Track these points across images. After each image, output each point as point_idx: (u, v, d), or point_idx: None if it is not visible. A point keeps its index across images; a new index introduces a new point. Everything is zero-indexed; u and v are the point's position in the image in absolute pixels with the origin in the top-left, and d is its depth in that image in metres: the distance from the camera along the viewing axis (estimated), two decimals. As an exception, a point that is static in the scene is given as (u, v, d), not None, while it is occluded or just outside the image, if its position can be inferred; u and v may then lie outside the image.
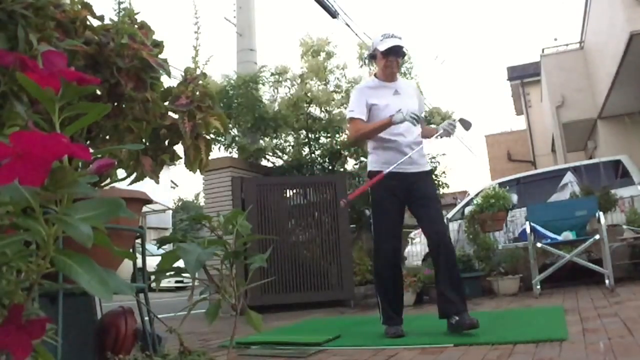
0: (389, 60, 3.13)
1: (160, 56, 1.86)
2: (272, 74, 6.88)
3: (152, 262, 1.44)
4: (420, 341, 2.72)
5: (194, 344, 3.14)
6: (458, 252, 5.54)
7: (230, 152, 6.71)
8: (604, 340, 2.30)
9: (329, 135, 6.81)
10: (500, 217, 5.60)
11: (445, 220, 3.23)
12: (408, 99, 3.19)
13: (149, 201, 1.80)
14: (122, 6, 1.80)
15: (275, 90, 6.97)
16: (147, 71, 1.77)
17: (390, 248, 3.06)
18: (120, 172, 1.92)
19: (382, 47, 3.09)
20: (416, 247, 7.46)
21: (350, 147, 6.72)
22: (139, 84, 1.74)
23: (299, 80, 6.70)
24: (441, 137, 3.19)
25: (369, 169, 3.23)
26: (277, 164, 6.93)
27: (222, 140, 6.56)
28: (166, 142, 2.02)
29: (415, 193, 3.08)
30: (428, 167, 3.25)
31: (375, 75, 3.31)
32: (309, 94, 6.45)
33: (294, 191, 6.18)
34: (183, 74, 2.04)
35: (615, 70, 7.55)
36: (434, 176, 6.34)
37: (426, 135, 3.33)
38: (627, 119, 9.15)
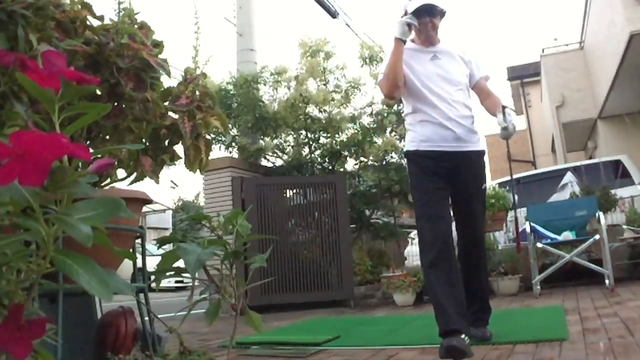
0: (421, 22, 2.60)
1: (160, 56, 1.86)
2: (272, 74, 6.88)
3: (152, 262, 1.44)
4: (420, 341, 2.72)
5: (194, 344, 3.14)
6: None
7: (230, 152, 6.72)
8: (604, 340, 2.30)
9: (328, 135, 6.81)
10: (500, 217, 5.59)
11: (483, 219, 2.71)
12: (451, 64, 2.64)
13: (149, 201, 1.80)
14: (122, 6, 1.80)
15: (275, 91, 6.98)
16: (147, 71, 1.77)
17: (438, 231, 2.42)
18: (120, 172, 1.93)
19: (411, 8, 2.60)
20: (416, 247, 7.45)
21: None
22: (139, 84, 1.74)
23: (294, 82, 6.70)
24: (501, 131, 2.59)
25: (405, 149, 2.70)
26: (277, 164, 6.93)
27: (223, 139, 6.56)
28: (166, 142, 2.02)
29: (458, 181, 2.55)
30: (479, 146, 2.63)
31: (412, 40, 2.71)
32: (305, 95, 6.45)
33: (294, 191, 6.19)
34: (183, 74, 2.04)
35: (615, 70, 7.55)
36: None
37: (489, 108, 2.71)
38: (627, 119, 9.15)
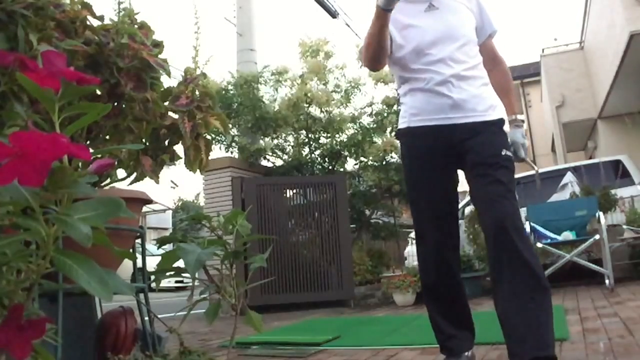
0: None
1: (160, 56, 1.86)
2: (273, 74, 6.89)
3: (152, 262, 1.44)
4: (420, 341, 2.72)
5: (194, 344, 3.14)
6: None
7: (230, 152, 6.72)
8: (604, 340, 2.30)
9: (329, 135, 6.82)
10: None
11: (512, 197, 1.86)
12: (452, 14, 2.00)
13: (149, 201, 1.80)
14: (122, 6, 1.80)
15: (276, 90, 6.98)
16: (147, 71, 1.77)
17: (431, 241, 1.99)
18: (120, 172, 1.92)
19: None
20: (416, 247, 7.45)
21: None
22: (139, 84, 1.74)
23: (299, 81, 6.71)
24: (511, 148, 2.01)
25: (398, 127, 2.13)
26: (277, 164, 6.93)
27: (223, 139, 6.57)
28: (166, 142, 2.02)
29: (468, 156, 1.92)
30: (489, 115, 1.94)
31: None
32: (308, 94, 6.46)
33: (294, 191, 6.19)
34: (183, 74, 2.04)
35: (615, 70, 7.56)
36: None
37: (495, 88, 2.06)
38: (627, 119, 9.15)
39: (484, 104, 1.94)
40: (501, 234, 1.77)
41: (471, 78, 1.94)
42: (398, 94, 2.19)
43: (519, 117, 2.11)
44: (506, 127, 2.04)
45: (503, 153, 1.90)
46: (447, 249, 2.01)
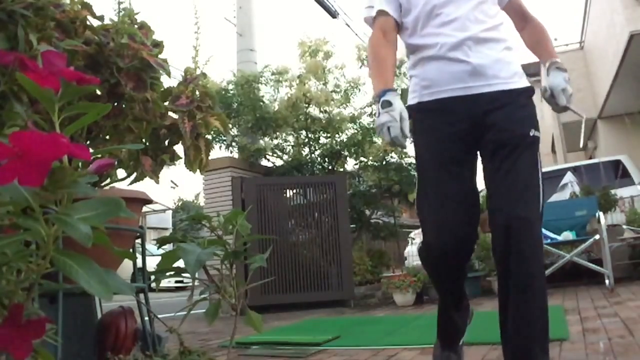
0: None
1: (160, 56, 1.86)
2: (273, 73, 6.89)
3: (152, 262, 1.44)
4: (420, 341, 2.72)
5: (194, 344, 3.14)
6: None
7: (230, 152, 6.73)
8: (604, 340, 2.30)
9: (328, 135, 6.82)
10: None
11: (536, 190, 1.57)
12: None
13: (149, 201, 1.80)
14: (122, 6, 1.80)
15: (276, 90, 6.99)
16: (147, 71, 1.77)
17: (439, 244, 1.65)
18: (120, 172, 1.92)
19: None
20: (416, 247, 7.46)
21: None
22: (139, 84, 1.74)
23: (297, 81, 6.71)
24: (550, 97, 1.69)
25: (408, 103, 1.75)
26: (277, 164, 6.93)
27: (223, 139, 6.57)
28: (166, 142, 2.02)
29: (488, 135, 1.61)
30: (516, 83, 1.67)
31: None
32: (307, 95, 6.46)
33: (294, 191, 6.19)
34: (183, 74, 2.04)
35: (615, 70, 7.56)
36: None
37: (531, 43, 1.84)
38: (627, 119, 9.15)
39: (508, 69, 1.66)
40: (514, 232, 1.49)
41: (491, 40, 1.66)
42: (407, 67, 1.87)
43: (559, 61, 1.75)
44: (543, 74, 1.77)
45: (531, 134, 1.60)
46: (461, 247, 1.65)
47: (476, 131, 1.63)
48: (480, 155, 1.69)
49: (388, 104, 1.56)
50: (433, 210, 1.67)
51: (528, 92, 1.68)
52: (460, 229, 1.63)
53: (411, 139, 1.72)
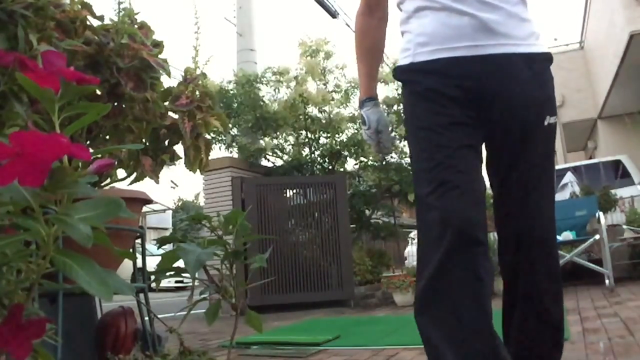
0: None
1: (160, 56, 1.86)
2: (274, 73, 6.89)
3: (152, 262, 1.44)
4: (420, 341, 2.71)
5: (194, 344, 3.14)
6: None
7: (230, 152, 6.73)
8: (604, 340, 2.30)
9: (328, 135, 6.82)
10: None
11: (548, 196, 1.36)
12: None
13: (149, 201, 1.80)
14: (122, 6, 1.80)
15: (276, 90, 6.98)
16: (147, 71, 1.77)
17: (438, 216, 1.27)
18: (120, 172, 1.93)
19: None
20: (416, 247, 7.45)
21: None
22: (139, 84, 1.74)
23: (294, 82, 6.70)
24: None
25: (398, 63, 1.43)
26: (277, 164, 6.93)
27: (223, 139, 6.56)
28: (166, 142, 2.02)
29: (494, 111, 1.29)
30: (534, 46, 1.33)
31: None
32: (303, 95, 6.45)
33: (294, 191, 6.19)
34: (183, 74, 2.04)
35: (615, 70, 7.56)
36: None
37: None
38: (627, 119, 9.15)
39: (524, 28, 1.32)
40: (526, 248, 1.32)
41: None
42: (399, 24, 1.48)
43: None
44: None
45: (546, 123, 1.31)
46: (474, 228, 1.27)
47: (480, 102, 1.29)
48: (485, 138, 1.36)
49: (363, 121, 1.48)
50: (425, 173, 1.31)
51: (549, 58, 1.37)
52: (470, 193, 1.26)
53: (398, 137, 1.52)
